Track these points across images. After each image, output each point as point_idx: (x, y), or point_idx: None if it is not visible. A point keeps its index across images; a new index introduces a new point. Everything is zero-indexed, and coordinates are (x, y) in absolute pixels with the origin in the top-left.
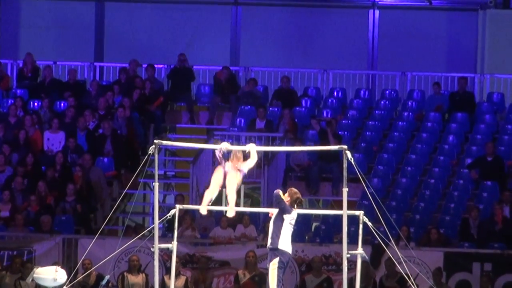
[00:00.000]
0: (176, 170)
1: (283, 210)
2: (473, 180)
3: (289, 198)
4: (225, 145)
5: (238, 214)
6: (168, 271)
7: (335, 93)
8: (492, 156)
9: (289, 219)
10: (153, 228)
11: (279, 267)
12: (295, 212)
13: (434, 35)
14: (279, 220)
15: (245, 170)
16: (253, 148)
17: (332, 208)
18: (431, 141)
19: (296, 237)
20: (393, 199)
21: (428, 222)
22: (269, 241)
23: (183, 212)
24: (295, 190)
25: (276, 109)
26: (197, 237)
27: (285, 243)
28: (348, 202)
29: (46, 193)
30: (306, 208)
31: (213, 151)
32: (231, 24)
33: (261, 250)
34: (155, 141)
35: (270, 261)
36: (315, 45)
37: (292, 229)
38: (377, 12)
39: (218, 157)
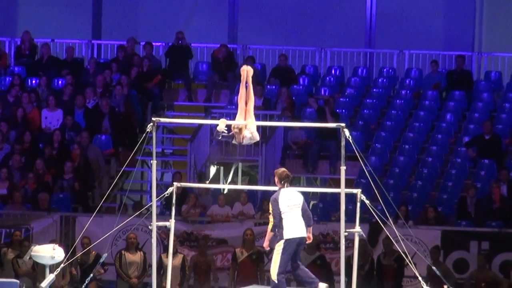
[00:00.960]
0: (174, 147)
1: (273, 214)
2: (470, 159)
3: (277, 179)
4: (222, 122)
5: (236, 191)
6: (165, 249)
7: (333, 71)
8: (490, 134)
9: (285, 204)
10: (151, 206)
11: (283, 247)
12: (287, 191)
13: (431, 13)
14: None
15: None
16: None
17: (329, 186)
18: (429, 119)
19: None
20: (390, 177)
21: (426, 201)
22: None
23: (185, 190)
24: (282, 168)
25: (273, 87)
26: (197, 214)
27: (288, 229)
28: (346, 180)
29: (44, 171)
30: (303, 186)
31: (213, 129)
32: (229, 1)
33: (259, 228)
34: (153, 118)
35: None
36: (313, 23)
37: (297, 211)
38: None
39: (218, 135)
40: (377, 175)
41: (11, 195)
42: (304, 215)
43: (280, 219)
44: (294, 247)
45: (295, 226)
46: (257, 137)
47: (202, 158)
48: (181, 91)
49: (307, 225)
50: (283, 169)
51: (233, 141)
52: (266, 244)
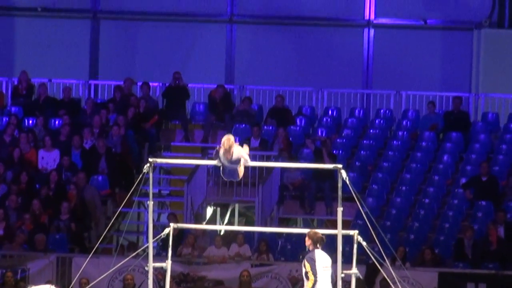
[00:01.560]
0: (170, 188)
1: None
2: (467, 200)
3: (310, 241)
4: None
5: (233, 232)
6: None
7: (330, 112)
8: (487, 175)
9: (320, 266)
10: (147, 247)
11: None
12: (321, 253)
13: (429, 54)
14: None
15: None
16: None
17: (326, 227)
18: (426, 161)
19: (291, 256)
20: (387, 218)
21: (423, 242)
22: None
23: (182, 231)
24: (313, 231)
25: (270, 127)
26: (195, 256)
27: None
28: (343, 221)
29: (40, 212)
30: (300, 227)
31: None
32: (226, 42)
33: (255, 269)
34: (149, 159)
35: None
36: (310, 64)
37: (328, 273)
38: (372, 31)
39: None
40: (374, 216)
41: (8, 236)
42: (331, 277)
43: (316, 279)
44: None
45: None
46: (249, 161)
47: (199, 199)
48: (178, 131)
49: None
50: (315, 231)
51: (222, 161)
52: None
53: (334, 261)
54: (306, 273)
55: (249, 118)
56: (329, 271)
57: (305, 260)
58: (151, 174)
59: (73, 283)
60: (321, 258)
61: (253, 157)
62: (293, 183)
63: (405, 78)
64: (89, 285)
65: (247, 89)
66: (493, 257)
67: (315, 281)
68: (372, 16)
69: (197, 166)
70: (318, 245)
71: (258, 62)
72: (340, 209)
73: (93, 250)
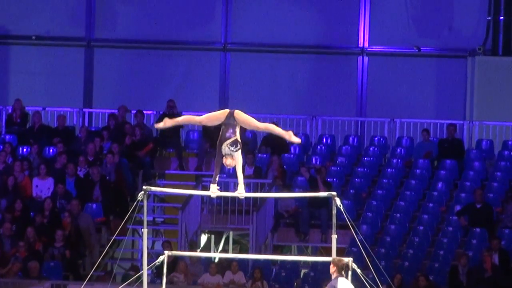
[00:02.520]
0: (165, 216)
1: None
2: (462, 227)
3: (335, 267)
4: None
5: (227, 260)
6: None
7: (324, 140)
8: (481, 203)
9: None
10: (141, 274)
11: None
12: (345, 281)
13: (423, 82)
14: None
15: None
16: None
17: (321, 254)
18: (420, 188)
19: (285, 283)
20: (382, 246)
21: (417, 269)
22: None
23: (176, 258)
24: (337, 258)
25: (264, 155)
26: (189, 284)
27: None
28: (337, 249)
29: (35, 239)
30: (295, 255)
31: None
32: (220, 70)
33: None
34: (144, 187)
35: None
36: (304, 91)
37: None
38: (366, 58)
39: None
40: (369, 244)
41: (2, 263)
42: None
43: None
44: None
45: None
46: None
47: (193, 227)
48: (172, 159)
49: None
50: (340, 258)
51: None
52: None
53: None
54: None
55: (243, 146)
56: None
57: (327, 287)
58: (145, 202)
59: None
60: (344, 286)
61: (247, 186)
62: (288, 210)
63: (399, 105)
64: None
65: None
66: (487, 284)
67: None
68: (366, 44)
69: (191, 194)
70: (343, 272)
71: (252, 89)
72: (334, 237)
73: (88, 278)
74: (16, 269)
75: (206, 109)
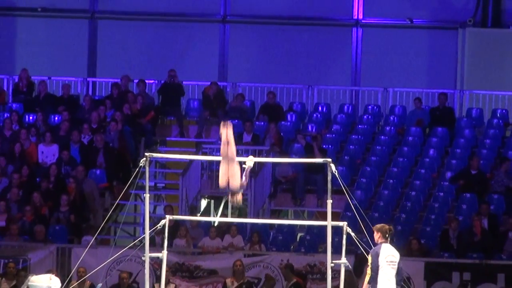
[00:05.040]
0: (166, 181)
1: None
2: (456, 190)
3: (379, 233)
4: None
5: (226, 224)
6: (158, 279)
7: (320, 108)
8: (477, 169)
9: (384, 260)
10: (143, 238)
11: None
12: (388, 247)
13: (415, 53)
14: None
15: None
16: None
17: (316, 219)
18: (412, 155)
19: (282, 247)
20: (375, 210)
21: (410, 233)
22: None
23: (177, 222)
24: (379, 224)
25: (262, 123)
26: (190, 247)
27: (382, 285)
28: (332, 213)
29: (41, 204)
30: (291, 219)
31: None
32: (219, 41)
33: (248, 259)
34: (146, 153)
35: None
36: (300, 62)
37: (394, 268)
38: (360, 30)
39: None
40: (363, 208)
41: (9, 227)
42: (399, 273)
43: (377, 273)
44: None
45: (387, 283)
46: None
47: (193, 192)
48: (173, 127)
49: (398, 284)
50: (382, 224)
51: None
52: None
53: (324, 251)
54: (368, 266)
55: (241, 114)
56: (395, 266)
57: (370, 253)
58: (147, 168)
59: (72, 272)
60: (387, 251)
61: (245, 152)
62: (285, 176)
63: (392, 75)
64: (87, 274)
65: (240, 86)
66: (477, 247)
67: (372, 276)
68: (360, 16)
69: (192, 160)
70: (387, 237)
71: (250, 60)
72: (329, 201)
73: (91, 241)
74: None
75: (206, 79)
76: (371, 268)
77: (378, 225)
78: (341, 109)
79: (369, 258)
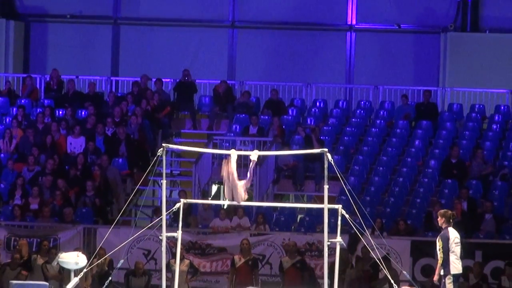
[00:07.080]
0: (180, 169)
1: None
2: (436, 179)
3: (443, 219)
4: (255, 154)
5: (234, 207)
6: (174, 256)
7: (318, 104)
8: (456, 158)
9: (453, 242)
10: (161, 219)
11: (452, 281)
12: (453, 230)
13: (402, 54)
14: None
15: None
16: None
17: (314, 202)
18: (400, 145)
19: (284, 227)
20: (367, 194)
21: (397, 215)
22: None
23: (190, 205)
24: (443, 210)
25: (266, 117)
26: (199, 227)
27: (454, 265)
28: (329, 197)
29: (67, 189)
30: (292, 202)
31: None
32: (228, 44)
33: (254, 238)
34: (163, 144)
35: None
36: (301, 62)
37: (459, 247)
38: (353, 34)
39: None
40: (356, 193)
41: (41, 209)
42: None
43: (448, 255)
44: (456, 281)
45: (458, 263)
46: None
47: (205, 178)
48: (187, 120)
49: (462, 258)
50: (445, 210)
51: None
52: (436, 278)
53: (322, 231)
54: (438, 250)
55: (248, 109)
56: (459, 246)
57: (439, 237)
58: (164, 157)
59: (97, 250)
60: (454, 234)
61: (251, 143)
62: (286, 164)
63: (382, 74)
64: (109, 253)
65: (246, 84)
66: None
67: (444, 259)
68: (354, 22)
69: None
70: (451, 221)
71: (256, 61)
72: (326, 187)
73: (115, 222)
74: (47, 214)
75: (216, 78)
76: (442, 251)
77: (442, 211)
78: (337, 104)
79: (439, 242)
